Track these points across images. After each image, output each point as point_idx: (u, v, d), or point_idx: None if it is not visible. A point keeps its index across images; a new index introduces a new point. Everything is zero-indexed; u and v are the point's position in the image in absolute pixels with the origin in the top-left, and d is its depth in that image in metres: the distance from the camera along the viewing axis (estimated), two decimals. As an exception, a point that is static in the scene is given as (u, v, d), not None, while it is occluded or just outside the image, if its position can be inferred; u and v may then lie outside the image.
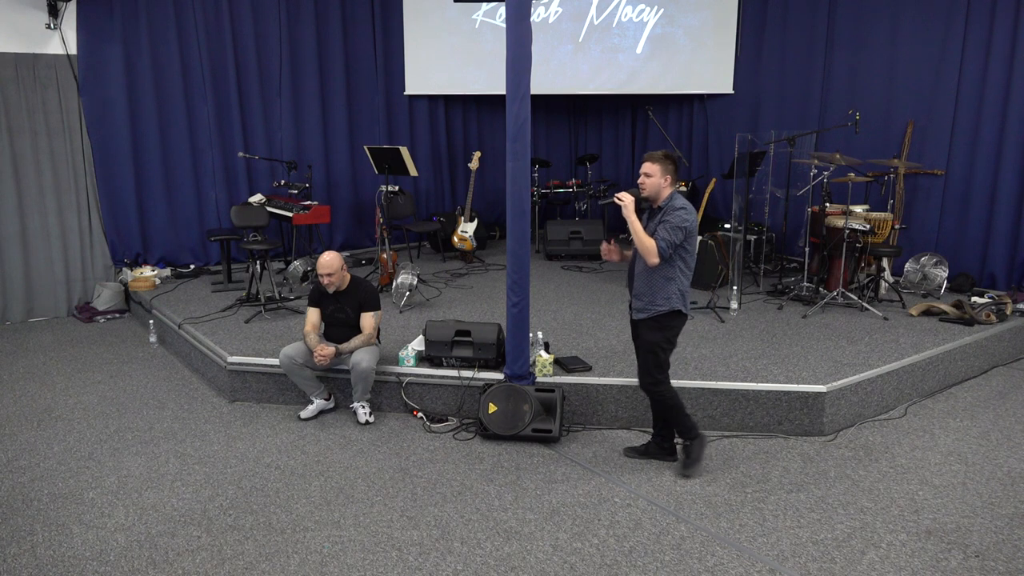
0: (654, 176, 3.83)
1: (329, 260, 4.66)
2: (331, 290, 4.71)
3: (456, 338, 4.82)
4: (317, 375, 4.84)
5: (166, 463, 4.25)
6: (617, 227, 10.02)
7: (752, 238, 7.31)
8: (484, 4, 8.89)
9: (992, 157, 6.76)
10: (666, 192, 3.86)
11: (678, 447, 4.17)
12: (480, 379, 4.73)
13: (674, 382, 4.57)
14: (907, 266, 6.88)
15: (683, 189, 8.42)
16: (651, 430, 4.31)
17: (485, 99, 9.66)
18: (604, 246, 4.08)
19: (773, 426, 4.57)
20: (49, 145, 7.04)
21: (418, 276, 6.55)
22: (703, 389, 4.59)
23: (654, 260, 3.76)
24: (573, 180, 9.27)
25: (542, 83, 8.45)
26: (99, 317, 7.17)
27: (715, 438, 4.50)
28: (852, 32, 7.59)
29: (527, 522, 3.63)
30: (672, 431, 4.19)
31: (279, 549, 3.43)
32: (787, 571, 3.24)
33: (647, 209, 3.95)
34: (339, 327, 4.79)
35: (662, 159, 3.83)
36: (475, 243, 8.31)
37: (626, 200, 3.82)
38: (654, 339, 3.93)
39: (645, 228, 3.85)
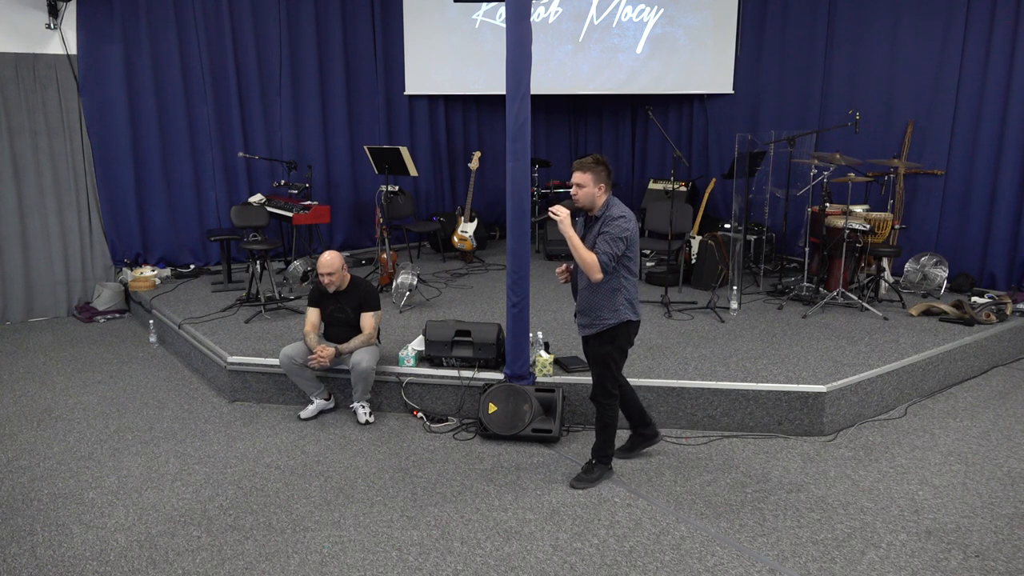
0: (587, 186, 3.59)
1: (329, 260, 4.66)
2: (331, 290, 4.71)
3: (456, 338, 4.82)
4: (317, 375, 4.83)
5: (166, 463, 4.25)
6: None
7: (752, 238, 7.31)
8: (484, 4, 8.89)
9: (992, 157, 6.76)
10: (601, 200, 3.64)
11: (589, 462, 4.05)
12: (480, 379, 4.73)
13: (674, 382, 4.61)
14: (907, 266, 6.88)
15: (683, 189, 8.42)
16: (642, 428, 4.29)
17: (485, 99, 9.65)
18: (561, 270, 3.94)
19: (773, 426, 4.57)
20: (49, 145, 7.04)
21: (418, 276, 6.55)
22: (703, 389, 4.58)
23: (598, 276, 3.56)
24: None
25: (542, 83, 8.45)
26: (99, 317, 7.17)
27: (715, 438, 4.50)
28: (852, 32, 7.59)
29: (527, 522, 3.63)
30: (646, 416, 4.17)
31: (279, 549, 3.43)
32: (787, 571, 3.24)
33: (582, 218, 3.77)
34: (339, 327, 4.79)
35: (593, 165, 3.59)
36: (475, 243, 8.31)
37: (561, 214, 3.56)
38: (605, 351, 3.78)
39: (583, 239, 3.65)
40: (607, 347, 3.78)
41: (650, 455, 4.28)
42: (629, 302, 3.73)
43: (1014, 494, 3.86)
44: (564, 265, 3.97)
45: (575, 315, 3.91)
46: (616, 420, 3.95)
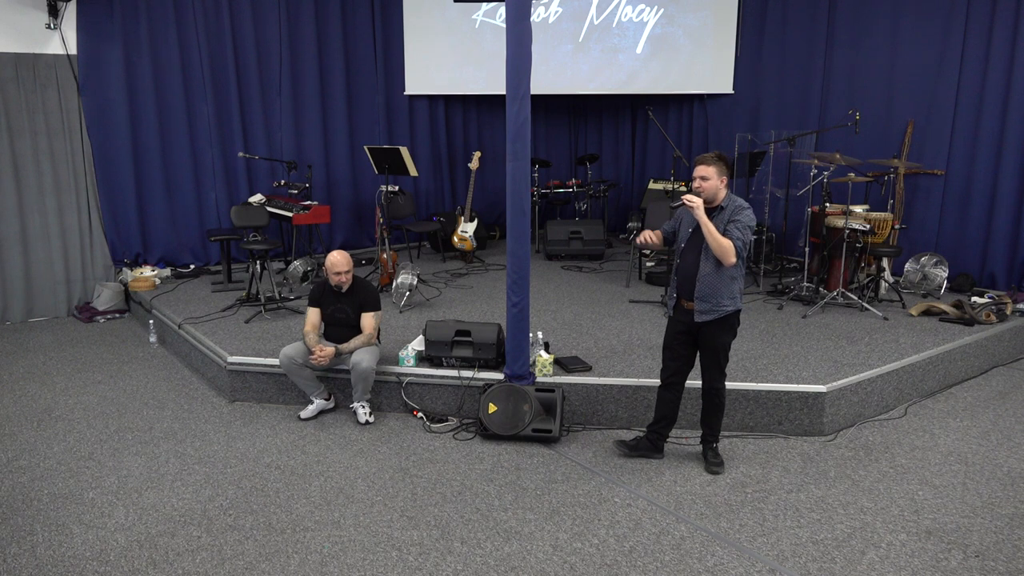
0: (711, 179, 3.78)
1: (341, 258, 4.69)
2: (345, 288, 4.73)
3: (456, 338, 4.82)
4: (317, 375, 4.83)
5: (166, 463, 4.25)
6: (617, 227, 10.03)
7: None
8: (484, 4, 8.89)
9: (992, 157, 6.76)
10: (723, 193, 3.83)
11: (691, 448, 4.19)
12: (480, 379, 4.73)
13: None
14: (907, 266, 6.88)
15: (683, 189, 8.42)
16: (645, 429, 4.30)
17: (485, 99, 9.65)
18: (646, 235, 3.99)
19: (773, 426, 4.57)
20: (49, 145, 7.04)
21: (418, 276, 6.55)
22: (703, 389, 4.58)
23: (732, 260, 3.74)
24: (573, 180, 9.27)
25: (542, 83, 8.44)
26: (99, 317, 7.17)
27: (715, 438, 4.50)
28: (852, 32, 7.59)
29: (527, 522, 3.63)
30: (670, 428, 4.22)
31: (279, 549, 3.43)
32: (787, 571, 3.24)
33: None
34: (339, 327, 4.79)
35: (715, 160, 3.79)
36: (475, 243, 8.31)
37: (696, 202, 3.74)
38: (725, 340, 3.96)
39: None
40: (727, 336, 3.95)
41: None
42: (741, 292, 3.94)
43: (1014, 494, 3.87)
44: (648, 238, 4.00)
45: (675, 304, 4.02)
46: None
